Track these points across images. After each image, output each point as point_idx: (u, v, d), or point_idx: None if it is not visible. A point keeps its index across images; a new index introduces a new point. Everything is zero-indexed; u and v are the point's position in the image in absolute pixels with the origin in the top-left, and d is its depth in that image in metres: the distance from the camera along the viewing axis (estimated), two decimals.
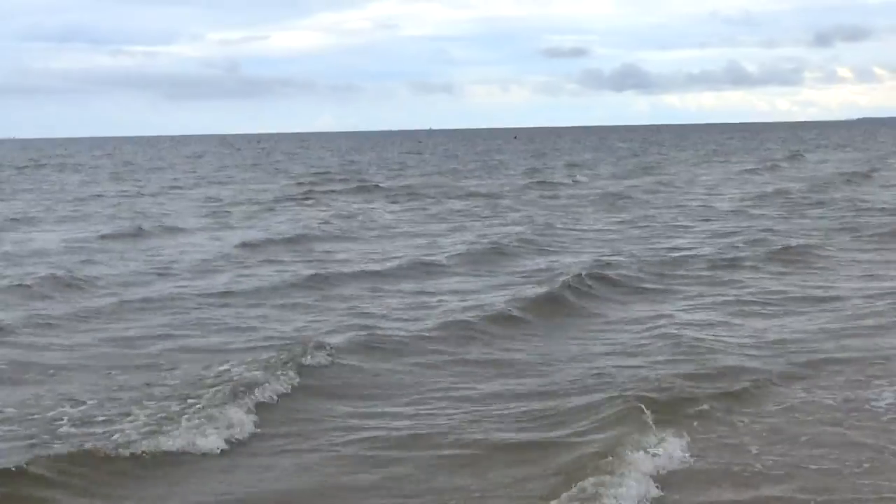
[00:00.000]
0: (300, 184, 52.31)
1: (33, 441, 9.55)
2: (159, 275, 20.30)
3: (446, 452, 9.26)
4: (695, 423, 9.80)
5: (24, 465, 8.48)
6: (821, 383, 11.35)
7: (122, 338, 14.28)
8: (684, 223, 29.23)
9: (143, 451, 9.03)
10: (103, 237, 26.94)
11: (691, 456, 8.98)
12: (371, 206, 37.82)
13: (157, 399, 10.80)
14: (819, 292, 17.00)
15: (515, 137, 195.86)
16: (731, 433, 9.67)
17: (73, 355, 13.25)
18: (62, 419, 10.19)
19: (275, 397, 10.91)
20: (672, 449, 8.94)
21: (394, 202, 39.43)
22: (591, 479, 7.99)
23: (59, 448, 9.10)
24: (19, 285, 18.37)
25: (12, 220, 32.83)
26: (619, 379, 11.49)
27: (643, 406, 9.99)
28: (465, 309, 15.76)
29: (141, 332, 14.66)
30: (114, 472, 8.69)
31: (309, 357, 12.25)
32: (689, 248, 22.93)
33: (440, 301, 16.90)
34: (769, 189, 40.95)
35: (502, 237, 25.22)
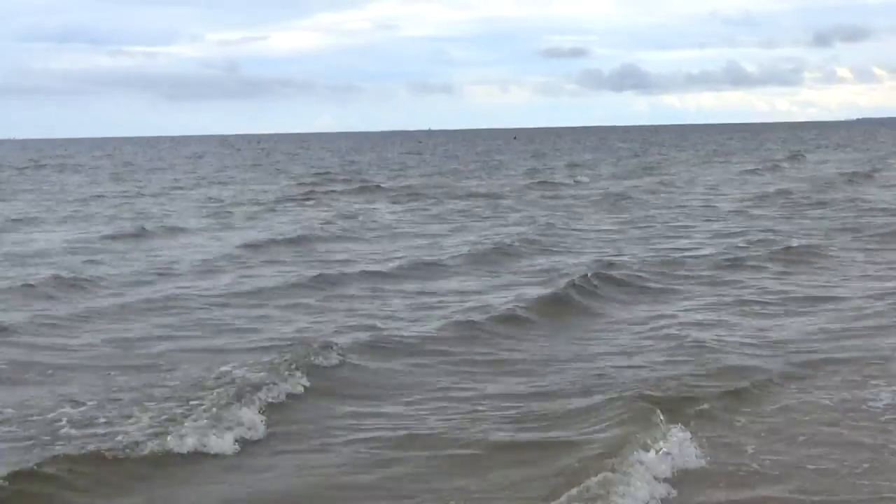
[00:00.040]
0: (301, 184, 52.30)
1: (43, 442, 9.55)
2: (162, 275, 20.29)
3: (452, 452, 9.26)
4: (692, 423, 9.79)
5: (35, 467, 8.49)
6: (819, 383, 11.37)
7: (125, 338, 14.27)
8: (686, 223, 29.23)
9: (153, 452, 9.03)
10: (105, 238, 26.95)
11: (696, 457, 8.97)
12: (373, 206, 37.81)
13: (164, 400, 10.80)
14: (820, 292, 17.02)
15: (515, 138, 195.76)
16: (729, 433, 9.68)
17: (78, 356, 13.25)
18: (67, 420, 10.17)
19: (283, 397, 10.92)
20: (675, 449, 8.93)
21: (395, 202, 39.41)
22: (595, 479, 8.00)
23: (67, 449, 9.08)
24: (22, 286, 18.36)
25: (14, 220, 32.83)
26: (620, 379, 11.51)
27: (645, 406, 10.01)
28: (470, 309, 15.78)
29: (145, 333, 14.66)
30: (124, 474, 8.69)
31: (316, 357, 12.25)
32: (692, 249, 22.94)
33: (444, 301, 16.91)
34: (771, 189, 40.93)
35: (505, 237, 25.22)
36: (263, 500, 8.40)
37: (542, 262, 21.51)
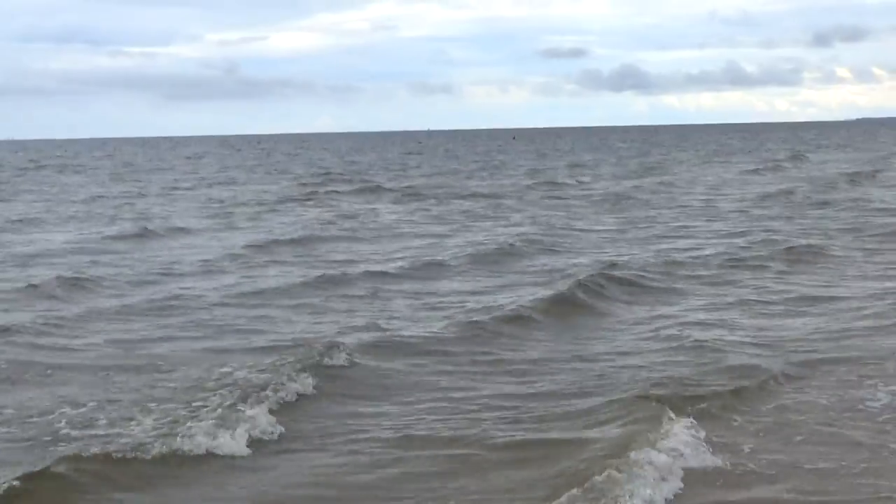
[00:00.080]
0: (303, 184, 52.28)
1: (50, 442, 9.54)
2: (165, 276, 20.28)
3: (459, 452, 9.25)
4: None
5: (46, 468, 8.47)
6: (817, 383, 11.37)
7: (130, 339, 14.25)
8: (689, 224, 29.24)
9: (164, 453, 9.02)
10: (108, 238, 26.93)
11: (700, 456, 8.95)
12: (375, 206, 37.78)
13: (173, 400, 10.79)
14: (822, 292, 17.04)
15: (514, 138, 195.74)
16: (726, 432, 9.67)
17: (82, 356, 13.23)
18: (72, 421, 10.16)
19: (292, 398, 10.91)
20: (679, 448, 8.92)
21: (397, 203, 39.38)
22: (599, 478, 8.00)
23: (76, 450, 9.05)
24: (26, 286, 18.32)
25: (17, 221, 32.77)
26: (623, 379, 11.53)
27: (648, 406, 10.04)
28: (475, 310, 15.77)
29: (150, 334, 14.64)
30: (133, 474, 8.67)
31: (324, 358, 12.23)
32: (695, 249, 22.93)
33: (449, 302, 16.89)
34: (773, 189, 40.95)
35: (509, 238, 25.19)
36: (272, 500, 8.37)
37: (546, 262, 21.50)
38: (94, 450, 9.00)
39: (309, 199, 41.52)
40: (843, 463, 8.83)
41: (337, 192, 46.08)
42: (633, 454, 8.53)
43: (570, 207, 35.57)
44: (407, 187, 47.80)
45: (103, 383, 11.71)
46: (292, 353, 12.62)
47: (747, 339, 13.40)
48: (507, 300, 16.58)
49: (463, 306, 16.27)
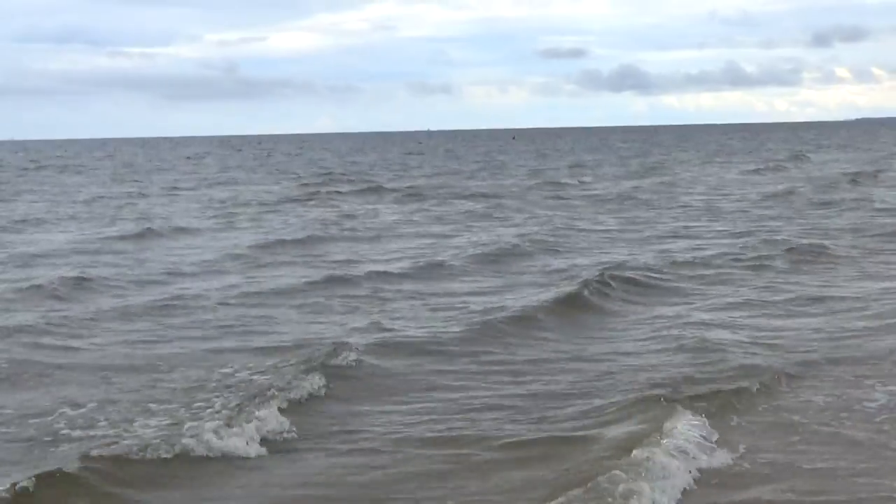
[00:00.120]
0: (305, 185, 52.26)
1: (60, 443, 9.52)
2: (170, 275, 20.28)
3: (467, 452, 9.25)
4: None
5: (57, 468, 8.44)
6: (817, 383, 11.38)
7: (135, 340, 14.23)
8: (692, 224, 29.24)
9: (175, 454, 9.00)
10: (111, 238, 26.91)
11: (697, 457, 8.93)
12: (378, 206, 37.77)
13: (180, 401, 10.78)
14: (825, 292, 17.06)
15: (514, 138, 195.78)
16: (726, 432, 9.66)
17: (88, 357, 13.21)
18: (81, 421, 10.14)
19: (303, 397, 10.89)
20: (678, 449, 8.90)
21: (400, 203, 39.38)
22: (602, 478, 8.02)
23: (87, 451, 9.02)
24: (29, 286, 18.28)
25: (20, 221, 32.78)
26: (625, 379, 11.57)
27: (650, 405, 10.08)
28: (481, 310, 15.77)
29: (155, 334, 14.63)
30: (144, 475, 8.67)
31: (333, 358, 12.22)
32: (699, 249, 22.94)
33: (454, 302, 16.87)
34: (776, 189, 40.97)
35: (514, 238, 25.20)
36: (275, 500, 8.37)
37: (550, 262, 21.51)
38: (104, 450, 8.98)
39: (310, 200, 41.50)
40: (841, 463, 8.83)
41: (338, 192, 46.05)
42: (636, 454, 8.54)
43: (573, 207, 35.58)
44: (408, 187, 47.78)
45: (108, 384, 11.69)
46: (301, 353, 12.63)
47: (748, 339, 13.39)
48: (512, 300, 16.59)
49: (468, 307, 16.25)
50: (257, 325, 15.10)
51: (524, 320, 14.93)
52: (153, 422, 9.97)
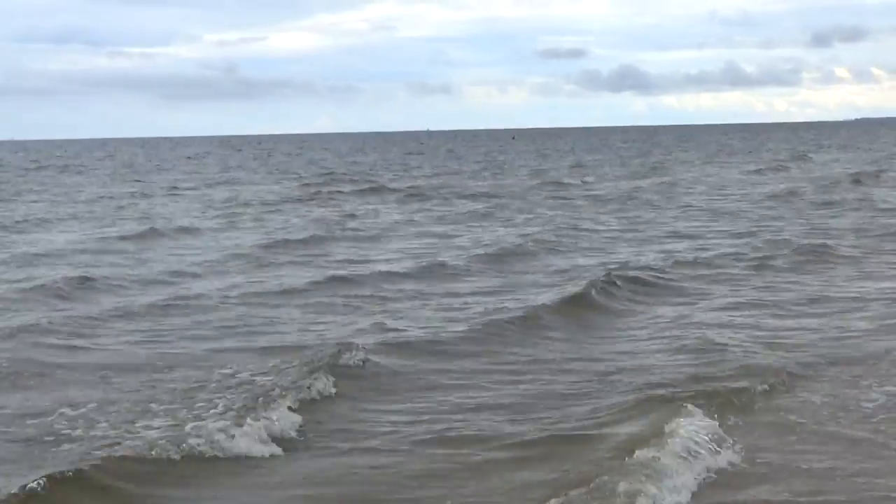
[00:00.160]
0: (307, 185, 52.25)
1: (70, 443, 9.50)
2: (175, 275, 20.26)
3: (470, 451, 9.25)
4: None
5: (68, 469, 8.40)
6: (817, 384, 11.39)
7: (141, 339, 14.22)
8: (695, 224, 29.25)
9: (185, 454, 8.98)
10: (114, 238, 26.88)
11: (699, 458, 8.90)
12: (381, 206, 37.76)
13: (190, 400, 10.75)
14: (826, 292, 17.08)
15: (514, 138, 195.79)
16: (724, 432, 9.60)
17: (96, 356, 13.19)
18: (90, 422, 10.13)
19: (314, 397, 10.88)
20: (680, 449, 8.88)
21: (404, 203, 39.37)
22: (605, 478, 8.04)
23: (97, 451, 9.03)
24: (33, 287, 18.25)
25: (23, 221, 32.73)
26: (627, 379, 11.58)
27: (648, 407, 10.10)
28: (487, 310, 15.77)
29: (162, 333, 14.62)
30: (156, 475, 8.65)
31: (342, 358, 12.19)
32: (702, 249, 22.92)
33: (461, 302, 16.87)
34: (777, 190, 40.99)
35: (519, 238, 25.24)
36: (285, 500, 8.35)
37: (555, 262, 21.51)
38: (112, 451, 8.98)
39: (312, 200, 41.52)
40: (840, 463, 8.83)
41: (340, 192, 46.06)
42: (639, 454, 8.55)
43: (576, 208, 35.56)
44: (410, 187, 47.77)
45: (112, 384, 11.68)
46: (306, 353, 12.62)
47: (749, 340, 13.37)
48: (516, 300, 16.59)
49: (472, 307, 16.25)
50: (261, 325, 15.08)
51: (528, 320, 14.90)
52: (159, 422, 9.94)
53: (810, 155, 78.18)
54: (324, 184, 52.92)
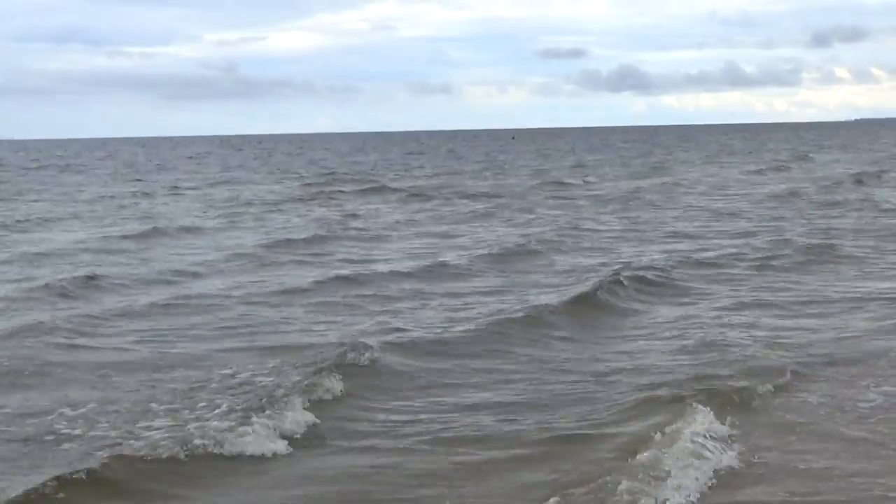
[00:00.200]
0: (309, 184, 52.25)
1: (79, 444, 9.48)
2: (180, 275, 20.25)
3: (481, 451, 9.24)
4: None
5: (83, 470, 8.40)
6: (816, 384, 11.38)
7: (149, 339, 14.20)
8: (698, 224, 29.26)
9: (197, 453, 8.98)
10: (118, 238, 26.84)
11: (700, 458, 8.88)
12: (383, 206, 37.76)
13: (200, 399, 10.74)
14: (828, 293, 17.06)
15: (513, 138, 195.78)
16: (726, 432, 9.62)
17: (102, 356, 13.17)
18: (98, 421, 10.12)
19: (325, 397, 10.88)
20: (681, 450, 8.88)
21: (406, 203, 39.35)
22: (608, 477, 8.08)
23: (106, 452, 9.01)
24: (37, 286, 18.23)
25: (26, 221, 32.69)
26: (627, 379, 11.60)
27: (650, 408, 10.12)
28: (491, 311, 15.75)
29: (170, 333, 14.61)
30: (167, 475, 8.64)
31: (351, 357, 12.20)
32: (706, 249, 22.92)
33: (463, 303, 16.84)
34: (780, 190, 41.02)
35: (521, 238, 25.24)
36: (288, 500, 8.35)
37: (561, 262, 21.49)
38: (122, 450, 8.98)
39: (315, 199, 41.50)
40: (838, 463, 8.83)
41: (342, 192, 46.06)
42: (641, 454, 8.59)
43: (579, 208, 35.54)
44: (412, 187, 47.76)
45: (124, 382, 11.66)
46: (311, 354, 12.62)
47: (750, 340, 13.32)
48: (520, 300, 16.59)
49: (475, 307, 16.23)
50: (265, 325, 15.06)
51: (532, 320, 14.88)
52: (163, 422, 9.94)
53: (811, 155, 78.20)
54: (325, 183, 52.91)
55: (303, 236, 26.55)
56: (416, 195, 42.61)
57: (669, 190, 43.29)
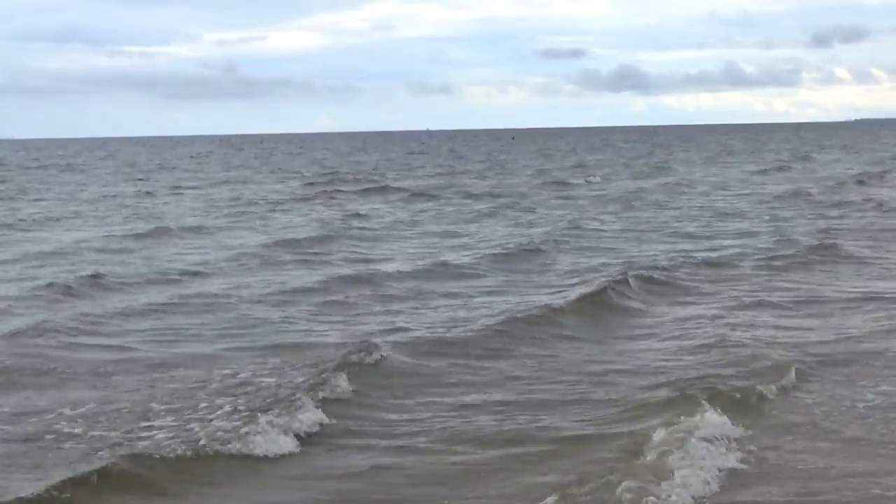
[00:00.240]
0: (311, 184, 52.22)
1: (88, 444, 9.46)
2: (183, 274, 20.19)
3: (464, 452, 9.26)
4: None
5: (100, 469, 8.40)
6: (816, 384, 11.37)
7: (158, 339, 14.17)
8: (703, 224, 29.24)
9: (210, 453, 8.97)
10: (122, 237, 26.81)
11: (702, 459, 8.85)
12: (387, 206, 37.74)
13: (212, 399, 10.75)
14: (829, 292, 17.05)
15: (513, 138, 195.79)
16: (728, 431, 9.58)
17: (114, 355, 13.15)
18: (111, 420, 10.10)
19: (337, 396, 10.86)
20: (682, 450, 8.86)
21: (410, 202, 39.34)
22: (611, 477, 8.09)
23: (120, 451, 9.01)
24: (42, 285, 18.17)
25: (29, 220, 32.68)
26: (628, 379, 11.59)
27: (651, 409, 10.11)
28: (496, 310, 15.70)
29: (179, 332, 14.60)
30: (181, 474, 8.63)
31: (361, 357, 12.18)
32: (710, 250, 22.90)
33: (469, 302, 16.82)
34: (783, 190, 41.00)
35: (529, 237, 25.21)
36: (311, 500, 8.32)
37: (567, 261, 21.47)
38: (133, 449, 8.98)
39: (318, 199, 41.49)
40: (836, 463, 8.82)
41: (346, 191, 46.05)
42: (643, 455, 8.61)
43: (583, 207, 35.49)
44: (415, 187, 47.76)
45: (135, 382, 11.65)
46: (321, 353, 12.61)
47: (753, 340, 13.28)
48: (526, 299, 16.58)
49: (481, 307, 16.20)
50: (270, 325, 15.03)
51: (539, 319, 14.84)
52: (189, 420, 9.93)
53: (813, 155, 78.21)
54: (328, 183, 52.89)
55: (306, 236, 26.51)
56: (420, 195, 42.59)
57: (672, 190, 43.27)
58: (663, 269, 19.42)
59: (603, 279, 17.66)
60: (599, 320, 15.25)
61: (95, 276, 19.01)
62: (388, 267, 20.69)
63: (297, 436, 9.61)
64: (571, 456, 8.96)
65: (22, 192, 49.56)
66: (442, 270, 20.19)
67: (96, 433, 9.67)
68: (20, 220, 32.71)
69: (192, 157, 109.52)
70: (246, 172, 68.72)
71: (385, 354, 12.46)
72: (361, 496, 8.34)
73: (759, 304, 15.98)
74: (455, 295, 17.52)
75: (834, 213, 31.11)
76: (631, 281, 17.67)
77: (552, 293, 17.25)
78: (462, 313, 15.64)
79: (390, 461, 9.06)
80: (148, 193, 46.78)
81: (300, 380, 11.19)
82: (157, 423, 9.90)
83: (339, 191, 46.16)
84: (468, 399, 10.96)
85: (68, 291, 17.66)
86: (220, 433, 9.32)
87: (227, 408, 10.25)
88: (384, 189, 46.81)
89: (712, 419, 9.60)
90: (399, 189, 46.48)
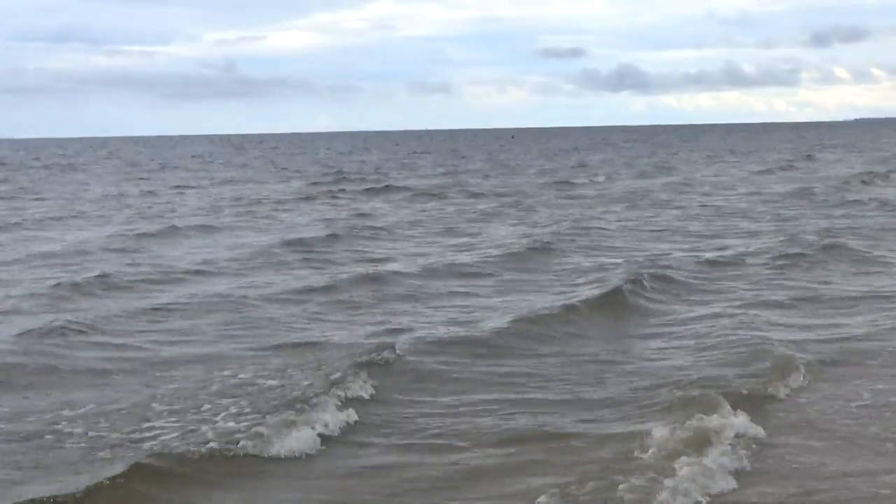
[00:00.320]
0: (316, 183, 52.17)
1: (113, 447, 9.39)
2: (189, 274, 20.14)
3: (465, 452, 9.25)
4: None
5: (127, 469, 8.39)
6: (816, 384, 11.35)
7: (171, 339, 14.12)
8: (711, 223, 29.24)
9: (228, 454, 8.94)
10: (128, 237, 26.71)
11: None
12: (393, 205, 37.72)
13: (231, 398, 10.70)
14: (831, 292, 17.02)
15: (513, 137, 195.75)
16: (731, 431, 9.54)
17: (125, 354, 13.12)
18: (124, 421, 10.07)
19: (358, 396, 10.83)
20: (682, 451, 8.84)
21: (415, 202, 39.34)
22: (614, 477, 8.10)
23: (138, 452, 8.98)
24: (49, 285, 18.14)
25: (33, 220, 32.62)
26: (630, 378, 11.57)
27: (653, 411, 10.09)
28: (503, 310, 15.67)
29: (190, 332, 14.56)
30: (201, 474, 8.60)
31: (379, 357, 12.16)
32: (717, 249, 22.88)
33: (476, 302, 16.78)
34: (789, 189, 40.98)
35: (535, 236, 25.17)
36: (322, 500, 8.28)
37: (576, 261, 21.42)
38: (159, 450, 8.95)
39: (324, 198, 41.50)
40: (837, 462, 8.82)
41: (351, 190, 46.03)
42: (643, 456, 8.60)
43: (589, 206, 35.45)
44: (420, 186, 47.75)
45: (151, 381, 11.62)
46: (336, 353, 12.57)
47: (758, 339, 13.20)
48: (536, 299, 16.57)
49: (489, 307, 16.15)
50: (278, 324, 14.99)
51: (550, 319, 14.78)
52: (209, 420, 9.90)
53: (816, 155, 78.17)
54: (333, 182, 52.87)
55: (311, 235, 26.44)
56: (426, 194, 42.58)
57: (677, 189, 43.24)
58: (673, 268, 19.40)
59: (613, 279, 17.63)
60: (610, 319, 15.21)
61: (102, 276, 18.96)
62: (396, 266, 20.65)
63: (322, 436, 9.57)
64: (574, 456, 8.94)
65: (25, 191, 49.49)
66: (448, 269, 20.15)
67: (90, 433, 9.65)
68: (25, 219, 32.62)
69: (194, 156, 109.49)
70: (248, 172, 68.69)
71: (400, 354, 12.41)
72: (370, 496, 8.30)
73: (764, 304, 15.96)
74: (461, 294, 17.50)
75: (841, 211, 31.09)
76: (646, 280, 17.60)
77: (560, 292, 17.21)
78: (465, 314, 15.58)
79: (402, 460, 9.05)
80: (152, 193, 46.73)
81: (315, 381, 11.12)
82: (157, 423, 9.88)
83: (343, 190, 46.12)
84: (473, 398, 10.93)
85: (75, 291, 17.61)
86: (249, 432, 9.29)
87: (238, 410, 10.20)
88: (388, 188, 46.77)
89: (712, 419, 9.58)
90: (404, 188, 46.45)
